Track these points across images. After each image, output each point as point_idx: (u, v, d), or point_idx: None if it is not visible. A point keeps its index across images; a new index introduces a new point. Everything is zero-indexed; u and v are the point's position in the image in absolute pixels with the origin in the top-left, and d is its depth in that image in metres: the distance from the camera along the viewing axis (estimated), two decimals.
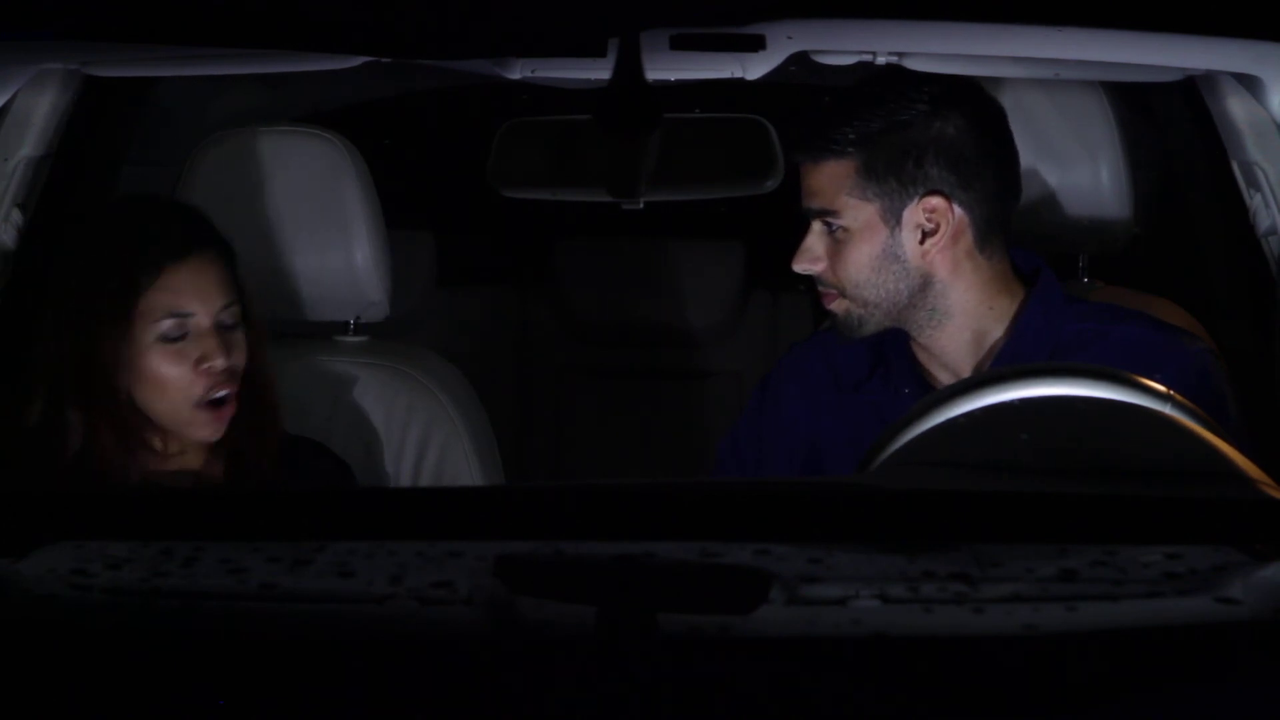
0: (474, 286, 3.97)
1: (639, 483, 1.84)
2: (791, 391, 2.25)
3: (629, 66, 1.60)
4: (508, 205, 3.29)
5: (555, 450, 3.90)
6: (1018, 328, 2.10)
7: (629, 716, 1.10)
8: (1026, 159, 2.19)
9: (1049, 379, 1.49)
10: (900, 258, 2.08)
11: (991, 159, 2.09)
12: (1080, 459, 1.44)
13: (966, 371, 2.12)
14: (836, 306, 2.13)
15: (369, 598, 1.27)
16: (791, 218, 2.18)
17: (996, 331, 2.11)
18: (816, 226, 2.12)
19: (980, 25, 1.92)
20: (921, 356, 2.16)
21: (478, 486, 2.37)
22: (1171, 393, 1.47)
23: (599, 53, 1.83)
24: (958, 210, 2.07)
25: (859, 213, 2.08)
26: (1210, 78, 2.24)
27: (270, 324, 2.34)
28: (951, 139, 2.07)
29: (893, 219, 2.07)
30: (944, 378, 2.13)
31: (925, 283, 2.09)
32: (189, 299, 2.05)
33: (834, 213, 2.09)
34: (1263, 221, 2.25)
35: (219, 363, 2.05)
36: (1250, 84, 2.16)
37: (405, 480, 2.42)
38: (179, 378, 2.04)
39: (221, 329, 2.08)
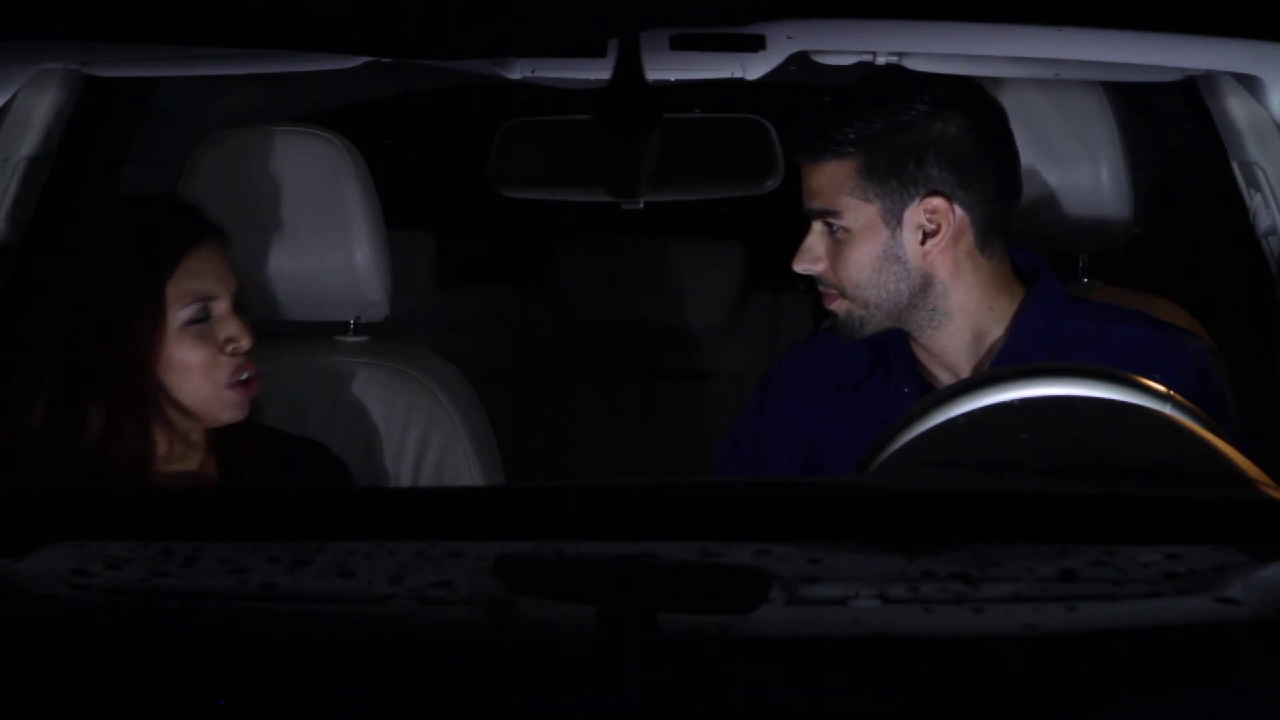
0: (474, 286, 3.97)
1: (639, 483, 1.84)
2: (791, 391, 2.25)
3: (629, 66, 1.60)
4: (508, 205, 3.29)
5: (555, 450, 3.90)
6: (1018, 328, 2.10)
7: (629, 716, 1.10)
8: (1026, 159, 2.19)
9: (1049, 379, 1.49)
10: (901, 258, 2.08)
11: (992, 159, 2.09)
12: (1080, 459, 1.44)
13: (966, 371, 2.12)
14: (837, 307, 2.13)
15: (369, 598, 1.27)
16: (791, 218, 2.18)
17: (996, 331, 2.11)
18: (817, 227, 2.12)
19: (980, 25, 1.92)
20: (921, 356, 2.16)
21: (478, 486, 2.37)
22: (1171, 393, 1.47)
23: (599, 53, 1.83)
24: (959, 211, 2.07)
25: (860, 213, 2.08)
26: (1210, 78, 2.24)
27: (271, 324, 2.34)
28: (952, 140, 2.06)
29: (893, 220, 2.07)
30: (944, 378, 2.13)
31: (926, 283, 2.09)
32: (211, 282, 2.09)
33: (835, 213, 2.09)
34: (1263, 221, 2.25)
35: (245, 343, 2.09)
36: (1250, 84, 2.16)
37: (405, 480, 2.42)
38: (207, 361, 2.07)
39: (239, 310, 2.12)
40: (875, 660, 1.19)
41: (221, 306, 2.09)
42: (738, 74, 2.29)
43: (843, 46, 2.16)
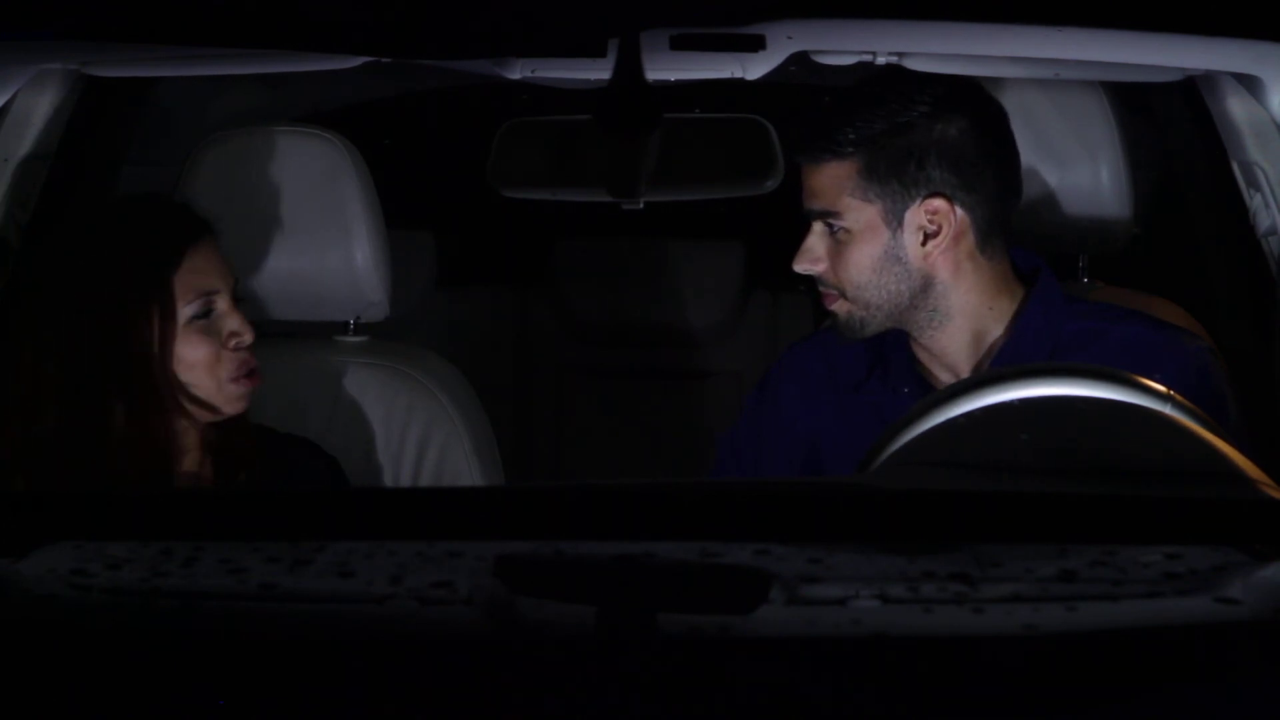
0: (474, 286, 3.97)
1: (639, 483, 1.84)
2: (791, 391, 2.25)
3: (629, 66, 1.60)
4: (507, 205, 3.29)
5: (555, 450, 3.90)
6: (1018, 328, 2.10)
7: (629, 716, 1.10)
8: (1026, 159, 2.19)
9: (1049, 379, 1.49)
10: (902, 259, 2.08)
11: (993, 160, 2.09)
12: (1080, 459, 1.44)
13: (966, 371, 2.12)
14: (838, 308, 2.13)
15: (369, 598, 1.27)
16: (791, 218, 2.17)
17: (996, 331, 2.11)
18: (818, 227, 2.12)
19: (980, 25, 1.92)
20: (921, 356, 2.16)
21: (478, 486, 2.37)
22: (1171, 393, 1.47)
23: (599, 53, 1.83)
24: (960, 212, 2.07)
25: (860, 214, 2.08)
26: (1210, 78, 2.24)
27: (270, 324, 2.34)
28: (953, 140, 2.06)
29: (894, 220, 2.07)
30: (944, 378, 2.13)
31: (927, 284, 2.09)
32: (212, 277, 2.11)
33: (835, 214, 2.09)
34: (1263, 221, 2.25)
35: (248, 337, 2.11)
36: (1250, 84, 2.16)
37: (405, 480, 2.42)
38: (212, 355, 2.09)
39: (238, 305, 2.13)
40: (875, 660, 1.19)
41: (223, 302, 2.11)
42: (738, 74, 2.29)
43: (843, 46, 2.16)
